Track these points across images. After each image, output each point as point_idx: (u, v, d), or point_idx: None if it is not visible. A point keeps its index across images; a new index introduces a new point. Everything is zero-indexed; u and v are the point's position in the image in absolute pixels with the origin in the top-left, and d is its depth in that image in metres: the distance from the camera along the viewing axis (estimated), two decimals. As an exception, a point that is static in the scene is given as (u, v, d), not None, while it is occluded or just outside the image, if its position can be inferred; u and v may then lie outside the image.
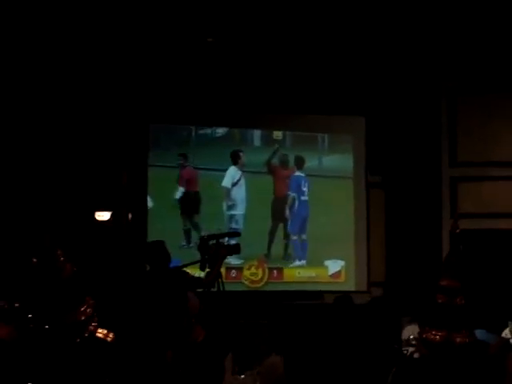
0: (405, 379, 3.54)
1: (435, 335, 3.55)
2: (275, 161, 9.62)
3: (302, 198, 9.67)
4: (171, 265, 6.07)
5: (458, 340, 3.53)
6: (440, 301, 3.69)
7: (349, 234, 9.69)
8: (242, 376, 5.00)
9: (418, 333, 3.63)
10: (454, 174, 9.47)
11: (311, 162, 9.80)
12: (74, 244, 8.19)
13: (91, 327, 3.16)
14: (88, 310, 3.17)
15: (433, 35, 8.41)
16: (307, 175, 9.70)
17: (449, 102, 9.52)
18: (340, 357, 4.62)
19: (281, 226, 9.58)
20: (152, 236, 8.54)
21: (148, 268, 6.08)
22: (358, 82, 9.43)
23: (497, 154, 9.37)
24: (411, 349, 5.20)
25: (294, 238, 9.60)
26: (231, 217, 9.42)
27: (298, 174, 9.68)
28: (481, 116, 9.38)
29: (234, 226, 9.29)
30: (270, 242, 9.51)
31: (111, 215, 8.79)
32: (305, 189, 9.67)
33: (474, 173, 9.37)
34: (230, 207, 9.45)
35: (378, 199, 9.83)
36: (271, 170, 9.60)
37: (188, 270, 5.90)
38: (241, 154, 9.50)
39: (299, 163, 9.68)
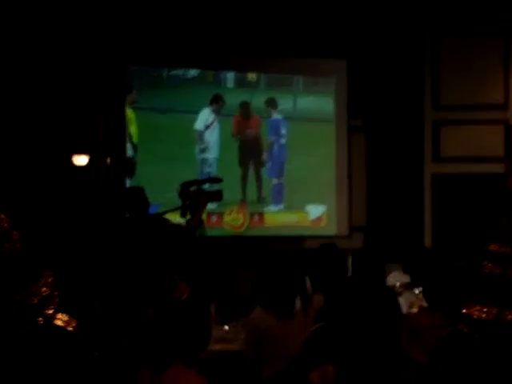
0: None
1: (481, 312, 3.05)
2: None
3: (281, 141, 9.51)
4: (151, 211, 5.94)
5: (511, 318, 3.02)
6: (488, 270, 3.15)
7: (330, 179, 9.58)
8: (226, 327, 4.93)
9: (461, 307, 3.11)
10: (437, 118, 9.36)
11: (288, 105, 9.60)
12: (51, 189, 8.08)
13: (48, 312, 2.40)
14: (43, 290, 2.42)
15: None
16: (285, 118, 9.52)
17: (433, 43, 9.33)
18: (333, 305, 4.53)
19: (251, 169, 9.42)
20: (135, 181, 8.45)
21: (127, 215, 5.95)
22: (340, 23, 9.18)
23: (480, 97, 9.24)
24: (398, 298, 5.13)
25: (274, 181, 9.49)
26: (204, 160, 9.21)
27: (275, 117, 9.50)
28: (464, 59, 9.22)
29: (207, 170, 9.11)
30: (244, 186, 9.36)
31: (89, 159, 8.58)
32: (284, 132, 9.51)
33: (457, 116, 9.26)
34: (203, 150, 9.25)
35: (359, 142, 9.71)
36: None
37: (168, 216, 5.77)
38: (221, 101, 9.27)
39: (272, 105, 9.48)
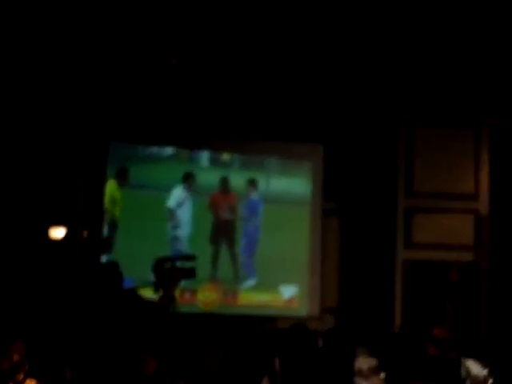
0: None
1: None
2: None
3: (257, 221, 9.66)
4: (125, 285, 6.00)
5: None
6: (431, 352, 3.34)
7: (303, 259, 9.71)
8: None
9: None
10: (409, 205, 9.58)
11: (262, 186, 9.80)
12: (26, 261, 8.11)
13: (18, 377, 2.72)
14: (15, 357, 2.75)
15: (393, 66, 8.52)
16: (261, 199, 9.69)
17: (407, 132, 9.64)
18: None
19: (224, 246, 9.54)
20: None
21: (99, 290, 5.99)
22: (316, 109, 9.50)
23: (451, 186, 9.51)
24: (363, 382, 5.20)
25: (244, 259, 9.58)
26: (175, 237, 9.33)
27: (253, 197, 9.67)
28: (437, 149, 9.52)
29: (178, 247, 9.21)
30: (215, 263, 9.46)
31: (66, 232, 8.62)
32: (259, 212, 9.67)
33: (429, 204, 9.49)
34: (175, 227, 9.36)
35: (332, 225, 9.88)
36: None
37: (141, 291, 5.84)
38: (193, 179, 9.44)
39: (253, 185, 9.67)
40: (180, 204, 9.39)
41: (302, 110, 9.44)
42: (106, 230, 9.09)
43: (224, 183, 9.65)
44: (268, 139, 9.57)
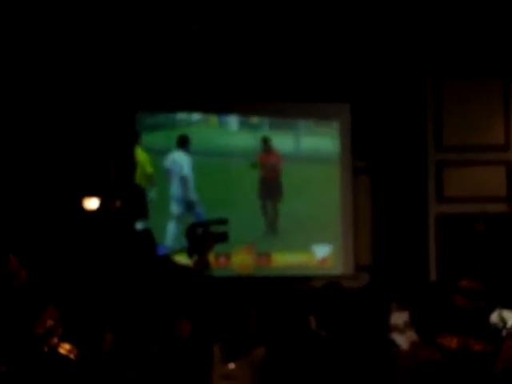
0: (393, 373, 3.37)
1: (451, 341, 3.26)
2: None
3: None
4: (159, 252, 6.11)
5: (477, 348, 3.22)
6: (458, 303, 3.40)
7: (335, 218, 9.74)
8: (231, 365, 5.04)
9: (437, 337, 3.32)
10: (440, 159, 9.54)
11: (290, 145, 9.80)
12: (61, 233, 8.24)
13: (53, 341, 2.86)
14: (48, 322, 2.86)
15: (418, 19, 8.43)
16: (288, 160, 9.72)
17: (434, 86, 9.56)
18: (331, 345, 4.66)
19: (269, 205, 9.64)
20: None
21: (134, 258, 6.09)
22: (342, 68, 9.42)
23: (481, 138, 9.44)
24: (398, 337, 5.24)
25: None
26: (192, 202, 9.38)
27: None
28: (466, 101, 9.43)
29: (198, 210, 9.25)
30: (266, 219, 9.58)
31: (100, 202, 8.74)
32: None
33: (460, 157, 9.43)
34: (188, 191, 9.41)
35: (363, 183, 9.88)
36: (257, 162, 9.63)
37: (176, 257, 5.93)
38: (189, 138, 9.44)
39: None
40: (188, 167, 9.40)
41: (326, 69, 9.38)
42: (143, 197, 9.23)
43: (265, 143, 9.68)
44: (295, 100, 9.54)
